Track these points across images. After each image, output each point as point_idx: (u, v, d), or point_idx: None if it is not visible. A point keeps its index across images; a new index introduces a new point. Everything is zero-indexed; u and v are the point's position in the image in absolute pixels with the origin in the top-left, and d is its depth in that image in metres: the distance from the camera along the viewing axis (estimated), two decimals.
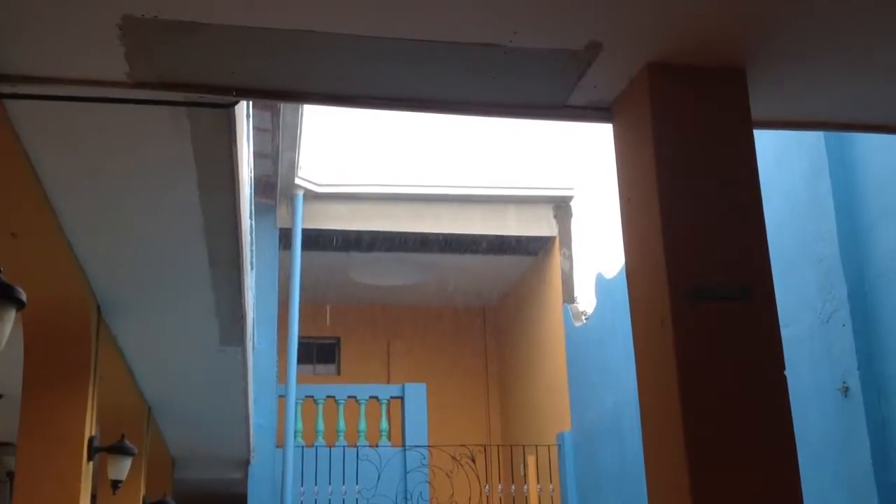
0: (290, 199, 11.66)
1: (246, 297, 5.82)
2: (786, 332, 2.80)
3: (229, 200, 4.14)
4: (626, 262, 2.99)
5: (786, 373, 2.70)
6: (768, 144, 6.68)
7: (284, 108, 9.27)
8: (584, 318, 11.67)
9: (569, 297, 12.22)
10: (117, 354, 6.28)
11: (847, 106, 3.27)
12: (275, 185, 11.19)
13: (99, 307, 5.33)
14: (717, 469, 2.57)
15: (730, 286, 2.73)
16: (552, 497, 11.79)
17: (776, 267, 2.82)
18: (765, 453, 2.61)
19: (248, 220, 6.05)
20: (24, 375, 5.02)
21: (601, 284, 11.07)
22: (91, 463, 5.14)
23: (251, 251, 7.12)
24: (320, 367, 15.07)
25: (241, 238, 4.72)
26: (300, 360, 11.99)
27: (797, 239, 6.53)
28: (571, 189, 12.74)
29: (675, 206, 2.76)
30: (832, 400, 6.07)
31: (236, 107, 3.48)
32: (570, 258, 12.41)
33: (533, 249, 12.96)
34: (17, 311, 3.53)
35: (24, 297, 3.53)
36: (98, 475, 6.36)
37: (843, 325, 6.00)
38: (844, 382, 5.94)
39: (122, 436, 6.09)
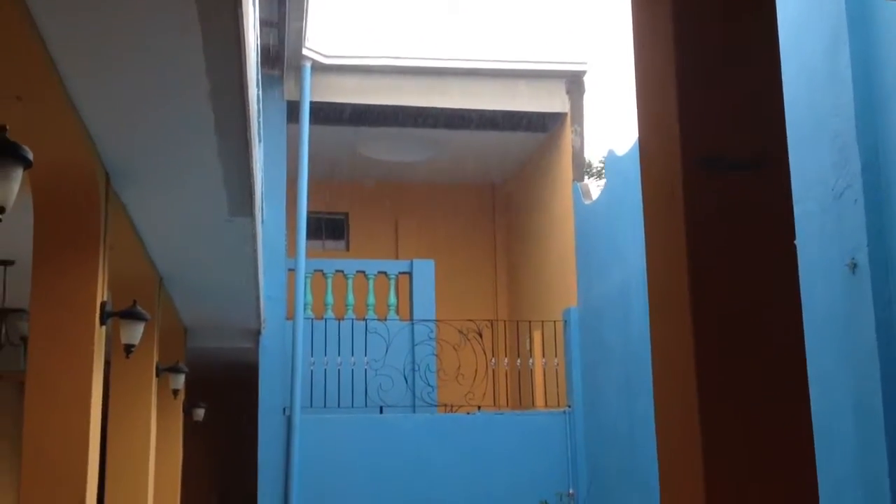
0: (298, 71, 11.47)
1: (254, 168, 5.79)
2: (798, 208, 2.77)
3: (235, 64, 4.06)
4: (639, 133, 2.93)
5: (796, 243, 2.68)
6: (788, 15, 6.49)
7: None
8: (594, 190, 11.62)
9: (579, 174, 12.15)
10: (128, 223, 6.31)
11: None
12: (281, 55, 10.98)
13: (108, 175, 5.32)
14: (722, 339, 2.57)
15: (744, 156, 2.68)
16: (557, 371, 12.01)
17: (791, 141, 2.76)
18: (771, 325, 2.61)
19: (255, 89, 5.97)
20: (35, 242, 5.05)
21: (612, 161, 10.99)
22: (104, 328, 5.22)
23: (258, 122, 7.05)
24: (329, 243, 15.14)
25: (248, 106, 4.65)
26: (309, 236, 12.01)
27: (813, 113, 6.42)
28: (584, 64, 12.49)
29: (691, 73, 2.68)
30: (840, 276, 6.08)
31: None
32: (581, 135, 12.28)
33: (544, 126, 12.81)
34: (24, 169, 3.51)
35: (30, 155, 3.51)
36: (112, 343, 6.48)
37: (855, 202, 5.96)
38: (853, 258, 5.93)
39: (134, 302, 6.17)
